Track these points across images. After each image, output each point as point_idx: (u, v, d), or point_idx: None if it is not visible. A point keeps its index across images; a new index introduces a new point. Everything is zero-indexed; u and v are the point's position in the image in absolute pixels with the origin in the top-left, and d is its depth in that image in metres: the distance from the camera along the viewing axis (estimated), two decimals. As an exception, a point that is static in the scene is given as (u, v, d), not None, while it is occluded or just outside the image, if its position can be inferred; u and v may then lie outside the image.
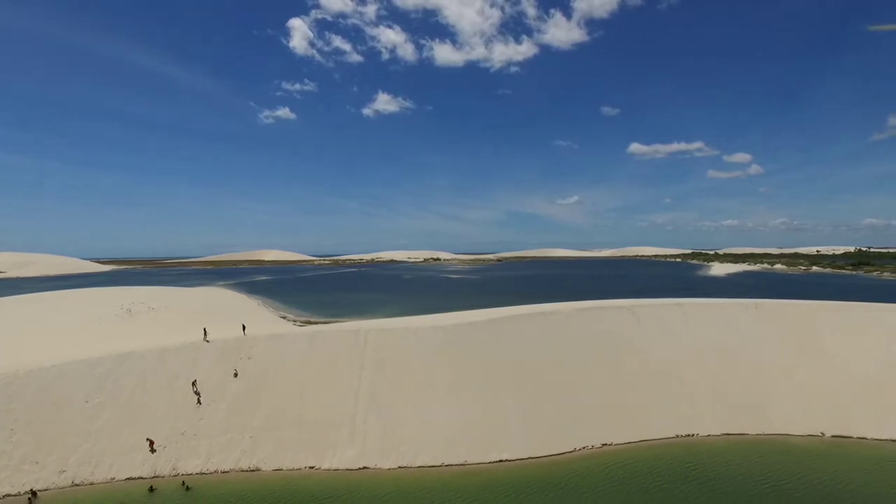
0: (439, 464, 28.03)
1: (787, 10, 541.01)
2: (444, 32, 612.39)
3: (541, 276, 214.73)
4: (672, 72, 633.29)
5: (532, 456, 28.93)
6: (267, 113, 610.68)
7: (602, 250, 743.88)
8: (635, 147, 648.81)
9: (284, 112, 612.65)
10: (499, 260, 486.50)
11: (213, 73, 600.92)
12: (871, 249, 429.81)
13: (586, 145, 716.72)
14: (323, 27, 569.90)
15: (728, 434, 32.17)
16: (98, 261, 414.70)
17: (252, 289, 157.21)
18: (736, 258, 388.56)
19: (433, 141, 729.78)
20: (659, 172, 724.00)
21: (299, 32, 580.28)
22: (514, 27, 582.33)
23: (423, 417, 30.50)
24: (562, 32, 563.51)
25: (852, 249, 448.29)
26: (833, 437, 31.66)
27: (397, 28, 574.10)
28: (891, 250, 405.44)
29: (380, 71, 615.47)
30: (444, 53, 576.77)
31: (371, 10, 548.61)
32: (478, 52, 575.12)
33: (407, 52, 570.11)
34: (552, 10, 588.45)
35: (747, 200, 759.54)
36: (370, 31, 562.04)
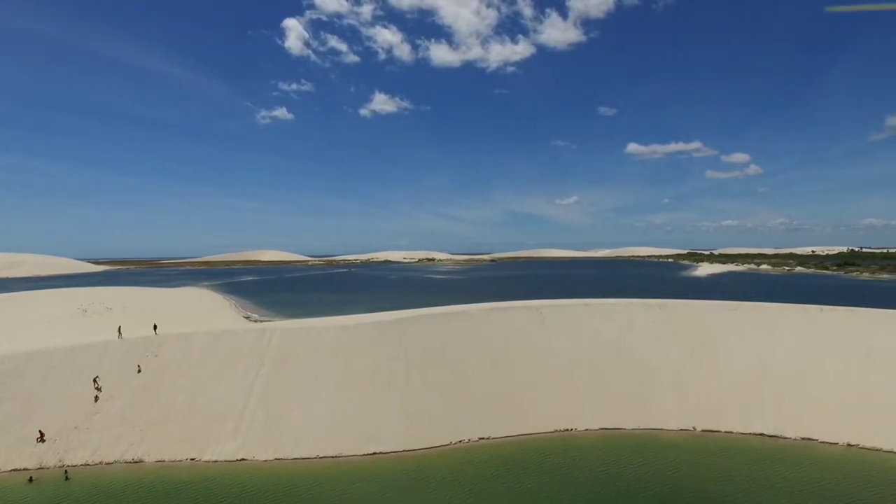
0: (314, 456, 29.56)
1: (784, 10, 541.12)
2: (441, 33, 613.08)
3: (522, 277, 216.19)
4: (668, 72, 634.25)
5: (406, 449, 30.42)
6: (264, 113, 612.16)
7: (599, 251, 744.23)
8: (633, 147, 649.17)
9: (281, 112, 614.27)
10: (492, 260, 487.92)
11: (209, 73, 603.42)
12: (864, 249, 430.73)
13: (584, 145, 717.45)
14: (318, 27, 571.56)
15: (605, 428, 33.65)
16: (94, 261, 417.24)
17: (233, 289, 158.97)
18: (727, 258, 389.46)
19: (432, 141, 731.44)
20: (657, 173, 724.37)
21: (294, 33, 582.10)
22: (510, 27, 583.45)
23: (309, 413, 32.04)
24: (558, 32, 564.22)
25: (845, 250, 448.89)
26: (703, 430, 33.12)
27: (393, 28, 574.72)
28: (882, 250, 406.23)
29: (376, 71, 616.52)
30: (440, 54, 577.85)
31: (367, 10, 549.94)
32: (474, 52, 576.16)
33: (403, 52, 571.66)
34: (548, 10, 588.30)
35: (746, 200, 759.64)
36: (366, 31, 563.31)
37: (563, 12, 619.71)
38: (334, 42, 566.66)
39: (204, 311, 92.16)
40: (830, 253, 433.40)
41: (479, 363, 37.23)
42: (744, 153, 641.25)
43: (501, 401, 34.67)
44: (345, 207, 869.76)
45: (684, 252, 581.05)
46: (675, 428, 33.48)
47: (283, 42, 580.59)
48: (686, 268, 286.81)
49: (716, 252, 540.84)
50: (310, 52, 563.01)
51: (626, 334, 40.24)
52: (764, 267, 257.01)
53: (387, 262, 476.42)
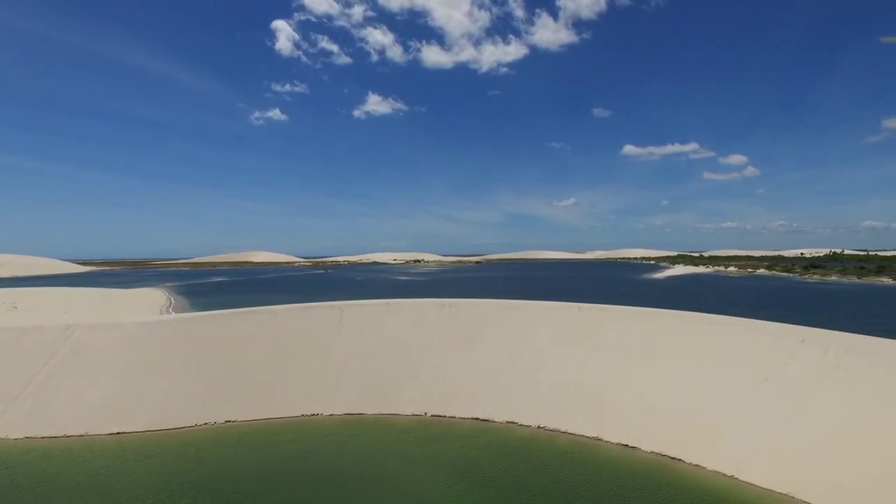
0: (61, 434, 33.64)
1: (780, 11, 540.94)
2: (432, 34, 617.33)
3: (488, 279, 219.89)
4: (662, 73, 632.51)
5: (149, 429, 34.46)
6: (258, 114, 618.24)
7: (592, 252, 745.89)
8: (629, 149, 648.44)
9: (275, 113, 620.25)
10: (478, 262, 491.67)
11: (201, 74, 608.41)
12: (847, 251, 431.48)
13: (580, 147, 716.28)
14: (308, 28, 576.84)
15: (348, 413, 37.52)
16: (83, 262, 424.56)
17: (190, 290, 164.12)
18: (712, 260, 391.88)
19: (429, 143, 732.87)
20: (655, 174, 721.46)
21: (284, 34, 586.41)
22: (501, 28, 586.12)
23: (75, 398, 36.12)
24: (549, 33, 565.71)
25: (828, 251, 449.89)
26: (432, 415, 36.90)
27: (385, 29, 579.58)
28: (863, 252, 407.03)
29: (369, 72, 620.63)
30: (432, 55, 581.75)
31: (357, 11, 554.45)
32: (466, 53, 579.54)
33: (396, 53, 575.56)
34: (538, 11, 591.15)
35: (746, 202, 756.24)
36: (357, 32, 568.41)
37: (554, 13, 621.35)
38: (325, 43, 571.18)
39: (125, 311, 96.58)
40: (818, 255, 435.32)
41: (258, 357, 41.15)
42: (741, 155, 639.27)
43: (263, 389, 38.58)
44: (344, 209, 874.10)
45: (674, 254, 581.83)
46: (409, 413, 37.29)
47: (274, 44, 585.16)
48: (658, 269, 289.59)
49: (706, 254, 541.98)
50: (300, 53, 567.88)
51: (410, 331, 43.99)
52: (731, 269, 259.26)
53: (375, 263, 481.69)
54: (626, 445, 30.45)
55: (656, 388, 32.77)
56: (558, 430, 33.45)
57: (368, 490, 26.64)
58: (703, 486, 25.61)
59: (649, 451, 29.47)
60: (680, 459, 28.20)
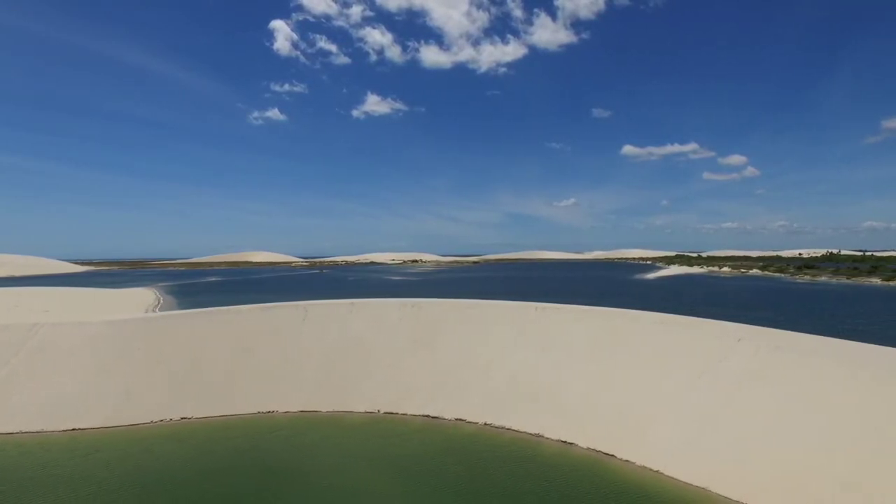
0: (17, 431, 34.33)
1: (778, 11, 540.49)
2: (430, 34, 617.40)
3: (483, 279, 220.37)
4: (661, 73, 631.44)
5: (104, 426, 35.15)
6: (256, 114, 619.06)
7: (591, 252, 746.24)
8: (629, 149, 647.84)
9: (274, 113, 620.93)
10: (475, 262, 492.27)
11: (203, 74, 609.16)
12: (843, 252, 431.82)
13: (580, 147, 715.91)
14: (306, 28, 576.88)
15: (303, 411, 38.18)
16: (81, 262, 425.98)
17: (182, 289, 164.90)
18: (709, 261, 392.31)
19: (428, 143, 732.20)
20: (654, 175, 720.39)
21: (282, 34, 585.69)
22: (500, 28, 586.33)
23: (35, 396, 36.82)
24: (548, 34, 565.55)
25: (824, 252, 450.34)
26: (385, 413, 37.56)
27: (383, 29, 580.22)
28: (860, 252, 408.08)
29: (368, 72, 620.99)
30: (431, 55, 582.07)
31: (356, 11, 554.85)
32: (465, 53, 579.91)
33: (395, 53, 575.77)
34: (537, 11, 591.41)
35: (746, 203, 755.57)
36: (356, 32, 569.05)
37: (553, 13, 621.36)
38: (323, 43, 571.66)
39: (111, 311, 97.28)
40: (815, 255, 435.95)
41: (220, 356, 41.82)
42: (741, 155, 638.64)
43: (222, 387, 39.24)
44: (344, 208, 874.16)
45: (672, 254, 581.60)
46: (363, 410, 37.95)
47: (272, 44, 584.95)
48: (652, 269, 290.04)
49: (704, 254, 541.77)
50: (299, 53, 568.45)
51: (372, 330, 44.62)
52: (725, 269, 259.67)
53: (372, 263, 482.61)
54: (565, 442, 31.08)
55: (599, 385, 33.38)
56: (503, 427, 34.07)
57: (310, 485, 27.26)
58: (629, 481, 26.23)
59: (586, 447, 30.09)
60: (613, 455, 28.81)
